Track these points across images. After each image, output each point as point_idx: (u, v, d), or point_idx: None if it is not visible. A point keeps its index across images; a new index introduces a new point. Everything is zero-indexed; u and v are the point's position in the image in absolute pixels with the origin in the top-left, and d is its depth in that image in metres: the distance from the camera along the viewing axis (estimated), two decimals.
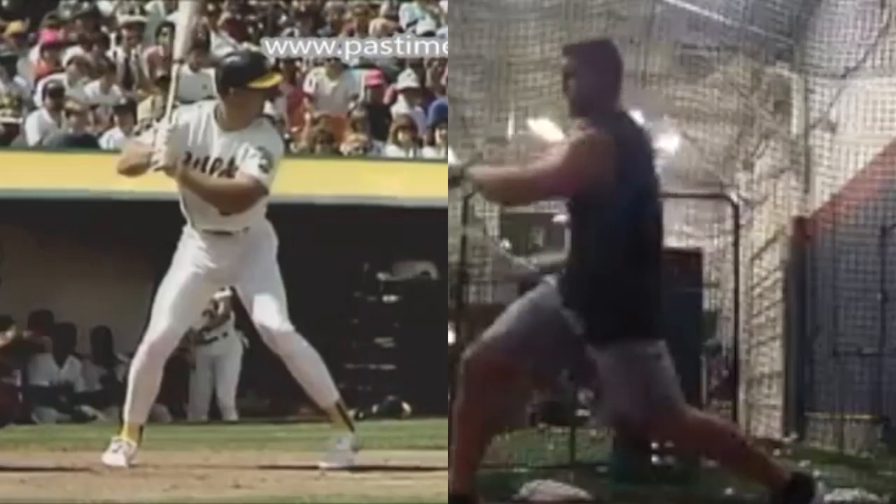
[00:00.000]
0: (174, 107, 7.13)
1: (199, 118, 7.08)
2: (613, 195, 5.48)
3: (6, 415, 7.46)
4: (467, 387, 5.65)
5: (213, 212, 7.11)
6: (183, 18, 7.65)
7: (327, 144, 13.02)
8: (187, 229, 7.26)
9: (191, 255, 7.22)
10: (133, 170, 7.09)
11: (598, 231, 5.59)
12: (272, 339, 7.09)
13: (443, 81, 13.80)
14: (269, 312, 7.06)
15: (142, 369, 7.23)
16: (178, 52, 7.46)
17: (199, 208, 7.14)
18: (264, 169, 6.95)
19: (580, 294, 5.58)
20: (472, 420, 5.68)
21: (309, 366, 7.19)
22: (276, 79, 7.66)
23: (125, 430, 7.29)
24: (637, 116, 5.91)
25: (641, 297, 5.61)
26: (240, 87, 7.05)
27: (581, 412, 11.78)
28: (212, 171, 7.04)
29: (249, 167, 6.95)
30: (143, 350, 7.22)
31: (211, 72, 8.42)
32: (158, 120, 7.63)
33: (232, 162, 7.00)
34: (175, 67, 7.36)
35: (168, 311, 7.16)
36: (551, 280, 5.74)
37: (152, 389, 7.31)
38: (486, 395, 5.65)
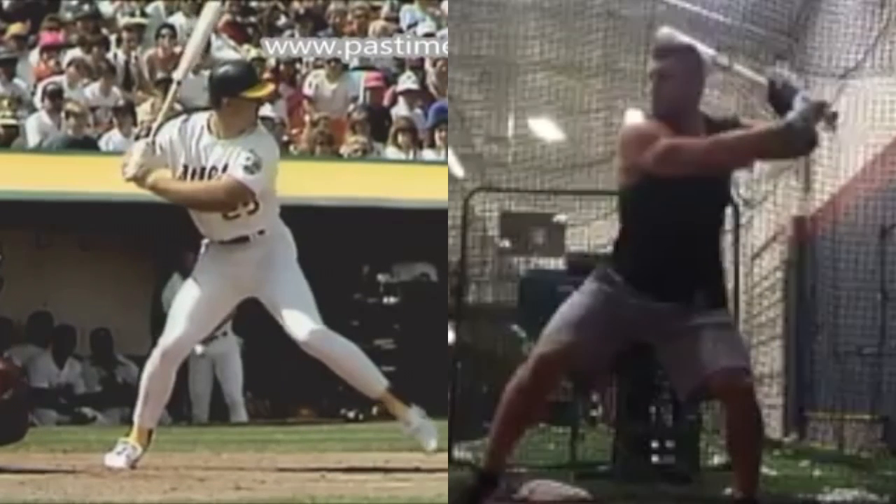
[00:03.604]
0: (163, 122, 7.20)
1: (192, 129, 7.12)
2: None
3: (17, 433, 7.45)
4: (534, 381, 5.83)
5: (220, 220, 7.12)
6: (192, 46, 7.60)
7: (327, 146, 13.00)
8: (206, 239, 7.28)
9: (211, 263, 7.24)
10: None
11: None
12: (307, 345, 7.10)
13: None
14: (298, 319, 7.08)
15: (154, 373, 7.26)
16: (180, 73, 7.47)
17: (206, 219, 7.17)
18: (249, 170, 6.98)
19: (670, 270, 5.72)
20: (527, 410, 5.92)
21: (350, 361, 7.23)
22: (269, 88, 7.70)
23: (133, 433, 7.31)
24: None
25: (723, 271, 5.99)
26: (233, 96, 7.08)
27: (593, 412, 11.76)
28: (209, 179, 7.08)
29: (233, 169, 7.00)
30: (156, 354, 7.25)
31: None
32: (143, 134, 7.68)
33: (226, 169, 7.04)
34: (173, 88, 7.40)
35: (185, 318, 7.18)
36: (615, 274, 5.81)
37: (164, 394, 7.34)
38: (547, 393, 5.98)
